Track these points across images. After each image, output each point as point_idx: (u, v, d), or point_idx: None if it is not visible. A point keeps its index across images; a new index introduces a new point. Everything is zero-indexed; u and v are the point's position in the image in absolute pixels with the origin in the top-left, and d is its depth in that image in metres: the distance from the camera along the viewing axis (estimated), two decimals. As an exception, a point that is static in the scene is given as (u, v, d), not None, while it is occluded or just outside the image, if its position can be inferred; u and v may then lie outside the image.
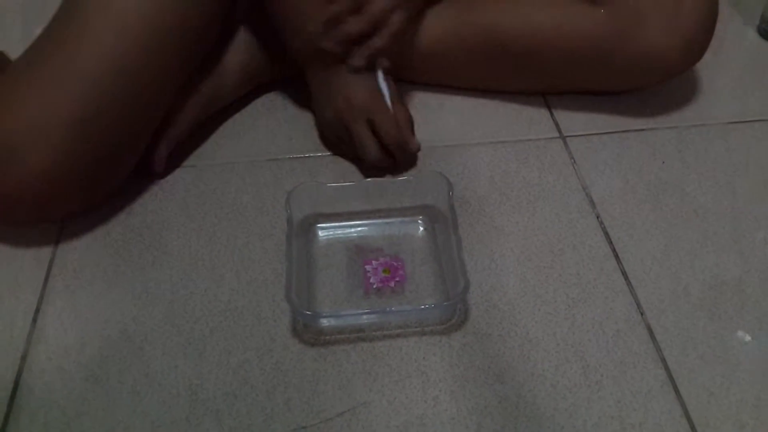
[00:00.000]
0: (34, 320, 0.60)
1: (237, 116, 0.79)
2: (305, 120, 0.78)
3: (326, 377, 0.56)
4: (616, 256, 0.65)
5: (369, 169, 0.71)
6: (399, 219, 0.67)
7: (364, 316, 0.59)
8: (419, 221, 0.67)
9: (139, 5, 0.62)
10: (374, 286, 0.62)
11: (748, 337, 0.59)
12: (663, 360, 0.58)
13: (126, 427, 0.53)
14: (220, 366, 0.56)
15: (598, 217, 0.69)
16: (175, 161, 0.73)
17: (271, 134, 0.77)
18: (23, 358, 0.57)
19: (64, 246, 0.65)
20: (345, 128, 0.69)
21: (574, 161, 0.74)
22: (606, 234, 0.67)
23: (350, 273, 0.63)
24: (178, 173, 0.72)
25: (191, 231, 0.66)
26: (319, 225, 0.66)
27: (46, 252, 0.65)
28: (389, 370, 0.56)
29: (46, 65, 0.60)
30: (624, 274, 0.64)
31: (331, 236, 0.66)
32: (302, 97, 0.80)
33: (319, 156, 0.74)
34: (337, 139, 0.73)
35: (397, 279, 0.62)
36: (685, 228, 0.68)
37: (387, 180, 0.70)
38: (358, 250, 0.65)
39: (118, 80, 0.61)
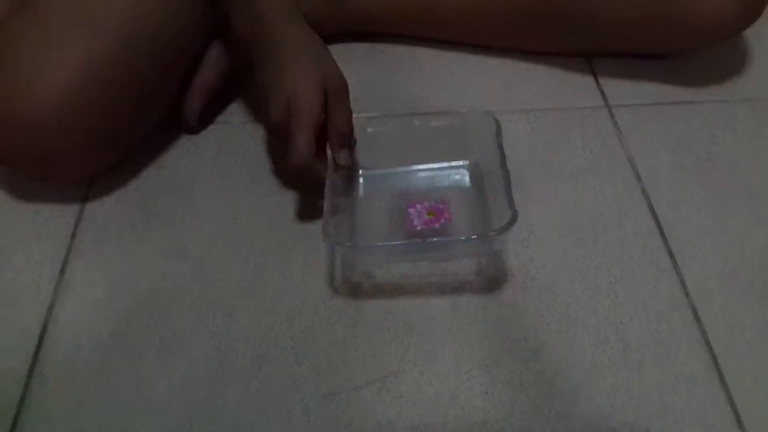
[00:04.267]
0: (62, 272, 0.59)
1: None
2: (347, 76, 0.75)
3: (357, 344, 0.54)
4: (662, 233, 0.63)
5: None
6: (444, 162, 0.64)
7: (404, 249, 0.57)
8: (465, 164, 0.64)
9: None
10: (417, 228, 0.59)
11: (799, 324, 0.57)
12: (708, 343, 0.55)
13: (152, 386, 0.52)
14: (249, 328, 0.55)
15: (643, 192, 0.66)
16: (208, 116, 0.71)
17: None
18: (50, 309, 0.56)
19: (93, 198, 0.64)
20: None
21: (620, 132, 0.71)
22: (652, 209, 0.64)
23: (393, 216, 0.61)
24: (211, 129, 0.70)
25: (223, 189, 0.65)
26: (361, 169, 0.64)
27: (75, 204, 0.63)
28: (422, 340, 0.55)
29: (51, 4, 0.58)
30: (669, 252, 0.61)
31: (372, 180, 0.63)
32: (343, 54, 0.77)
33: (357, 116, 0.71)
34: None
35: (442, 221, 0.59)
36: (734, 206, 0.65)
37: (432, 116, 0.66)
38: (401, 194, 0.62)
39: (132, 26, 0.59)
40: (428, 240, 0.58)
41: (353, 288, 0.58)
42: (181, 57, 0.66)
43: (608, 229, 0.63)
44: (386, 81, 0.75)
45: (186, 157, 0.67)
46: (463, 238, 0.59)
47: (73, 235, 0.61)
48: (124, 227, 0.62)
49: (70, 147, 0.58)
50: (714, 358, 0.54)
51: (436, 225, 0.59)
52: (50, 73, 0.56)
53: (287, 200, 0.64)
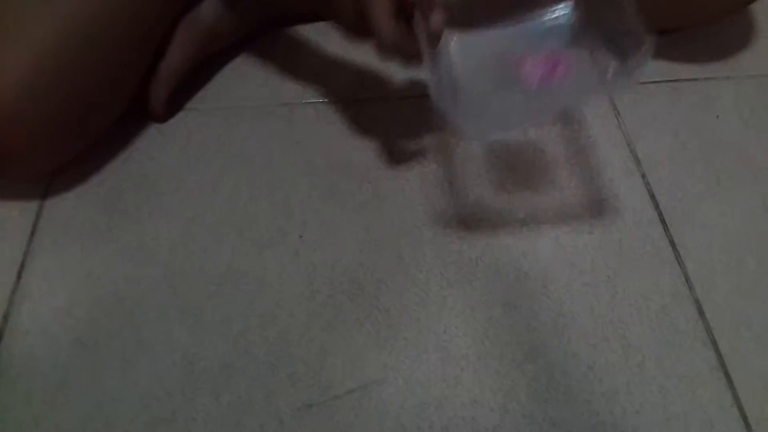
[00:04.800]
0: (19, 276, 0.55)
1: (246, 55, 0.72)
2: (321, 61, 0.70)
3: (336, 350, 0.50)
4: (663, 222, 0.58)
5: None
6: (544, 10, 0.57)
7: (524, 102, 0.51)
8: (567, 6, 0.56)
9: None
10: (534, 86, 0.52)
11: (811, 319, 0.53)
12: (713, 341, 0.51)
13: (114, 399, 0.48)
14: (219, 334, 0.51)
15: (643, 177, 0.61)
16: (177, 103, 0.66)
17: (283, 76, 0.70)
18: (5, 318, 0.52)
19: (53, 195, 0.60)
20: None
21: (618, 113, 0.67)
22: (652, 197, 0.60)
23: (501, 79, 0.54)
24: (180, 116, 0.66)
25: (192, 182, 0.60)
26: (456, 38, 0.57)
27: (33, 202, 0.59)
28: (405, 344, 0.51)
29: None
30: (671, 242, 0.57)
31: (471, 45, 0.57)
32: (320, 36, 0.72)
33: (335, 102, 0.67)
34: None
35: (560, 72, 0.52)
36: (741, 192, 0.61)
37: None
38: (506, 55, 0.55)
39: (89, 12, 0.54)
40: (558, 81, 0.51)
41: (333, 288, 0.54)
42: (146, 42, 0.61)
43: (605, 217, 0.59)
44: (366, 63, 0.70)
45: (153, 148, 0.63)
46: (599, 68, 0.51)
47: (31, 236, 0.57)
48: (85, 226, 0.57)
49: (24, 142, 0.54)
50: (720, 357, 0.51)
51: (554, 79, 0.52)
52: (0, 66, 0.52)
53: (261, 193, 0.60)
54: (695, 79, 0.70)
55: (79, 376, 0.49)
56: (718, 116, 0.67)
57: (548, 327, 0.52)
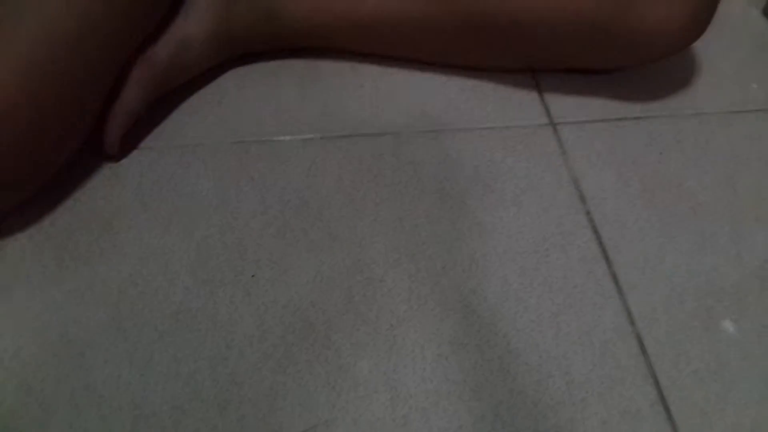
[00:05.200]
0: (-35, 320, 0.54)
1: (202, 92, 0.72)
2: (277, 99, 0.72)
3: (285, 391, 0.51)
4: (607, 258, 0.60)
5: None
6: None
7: None
8: None
9: None
10: None
11: (743, 348, 0.55)
12: (654, 376, 0.53)
13: (61, 445, 0.48)
14: (168, 376, 0.51)
15: (588, 214, 0.63)
16: (131, 141, 0.66)
17: (238, 114, 0.70)
18: (-50, 363, 0.52)
19: (4, 236, 0.59)
20: None
21: (564, 151, 0.69)
22: (596, 233, 0.62)
23: None
24: (134, 155, 0.66)
25: (144, 221, 0.61)
26: None
27: (-18, 242, 0.59)
28: (355, 385, 0.51)
29: None
30: (614, 278, 0.59)
31: None
32: (276, 74, 0.74)
33: (290, 140, 0.68)
34: None
35: None
36: (681, 227, 0.63)
37: None
38: None
39: (37, 51, 0.54)
40: None
41: (284, 328, 0.54)
42: (103, 76, 0.61)
43: (551, 254, 0.60)
44: (325, 99, 0.72)
45: (106, 187, 0.63)
46: None
47: (-21, 278, 0.56)
48: (35, 268, 0.57)
49: None
50: (660, 392, 0.52)
51: None
52: None
53: (214, 232, 0.60)
54: (638, 118, 0.73)
55: (24, 422, 0.49)
56: (661, 153, 0.69)
57: (495, 364, 0.53)
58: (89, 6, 0.57)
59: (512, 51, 0.72)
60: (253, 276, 0.57)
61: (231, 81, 0.73)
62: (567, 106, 0.73)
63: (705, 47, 0.79)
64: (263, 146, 0.67)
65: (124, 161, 0.65)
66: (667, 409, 0.51)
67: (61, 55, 0.56)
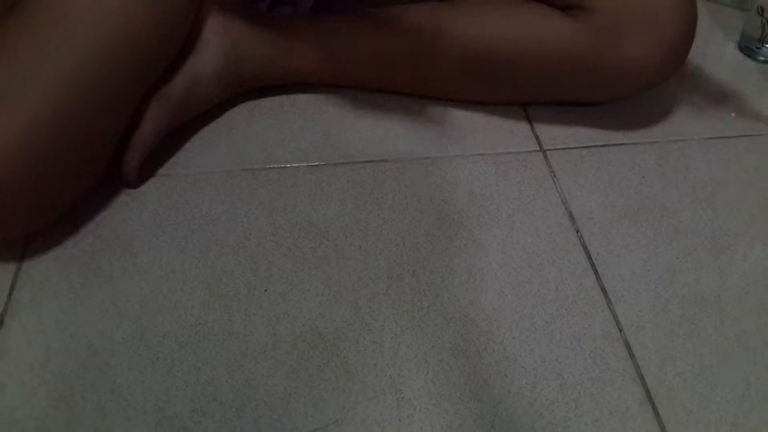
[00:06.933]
0: (-3, 333, 0.58)
1: (213, 124, 0.77)
2: (283, 129, 0.77)
3: (298, 394, 0.54)
4: (596, 272, 0.65)
5: None
6: None
7: None
8: None
9: (90, 3, 0.60)
10: None
11: (724, 352, 0.59)
12: (641, 377, 0.57)
13: (89, 446, 0.51)
14: (188, 382, 0.55)
15: (577, 232, 0.68)
16: (148, 170, 0.71)
17: (247, 143, 0.75)
18: (-16, 373, 0.55)
19: (31, 257, 0.63)
20: None
21: (554, 175, 0.73)
22: (585, 249, 0.66)
23: None
24: (151, 182, 0.71)
25: (162, 242, 0.65)
26: None
27: (11, 263, 0.63)
28: (363, 387, 0.55)
29: None
30: (603, 289, 0.63)
31: None
32: (282, 106, 0.79)
33: (296, 167, 0.73)
34: None
35: None
36: (664, 244, 0.67)
37: None
38: None
39: (67, 92, 0.59)
40: None
41: (296, 337, 0.58)
42: (122, 114, 0.66)
43: (544, 269, 0.64)
44: (328, 129, 0.77)
45: (125, 212, 0.67)
46: None
47: (9, 295, 0.60)
48: (61, 285, 0.61)
49: (7, 206, 0.58)
50: (647, 392, 0.56)
51: None
52: None
53: (227, 251, 0.64)
54: (622, 144, 0.78)
55: (55, 425, 0.52)
56: (643, 176, 0.74)
57: (493, 368, 0.57)
58: (113, 53, 0.62)
59: (502, 90, 0.78)
60: (265, 290, 0.61)
61: (240, 113, 0.79)
62: (556, 134, 0.78)
63: (684, 79, 0.85)
64: (271, 173, 0.72)
65: (142, 188, 0.70)
66: (654, 408, 0.55)
67: (88, 96, 0.61)
